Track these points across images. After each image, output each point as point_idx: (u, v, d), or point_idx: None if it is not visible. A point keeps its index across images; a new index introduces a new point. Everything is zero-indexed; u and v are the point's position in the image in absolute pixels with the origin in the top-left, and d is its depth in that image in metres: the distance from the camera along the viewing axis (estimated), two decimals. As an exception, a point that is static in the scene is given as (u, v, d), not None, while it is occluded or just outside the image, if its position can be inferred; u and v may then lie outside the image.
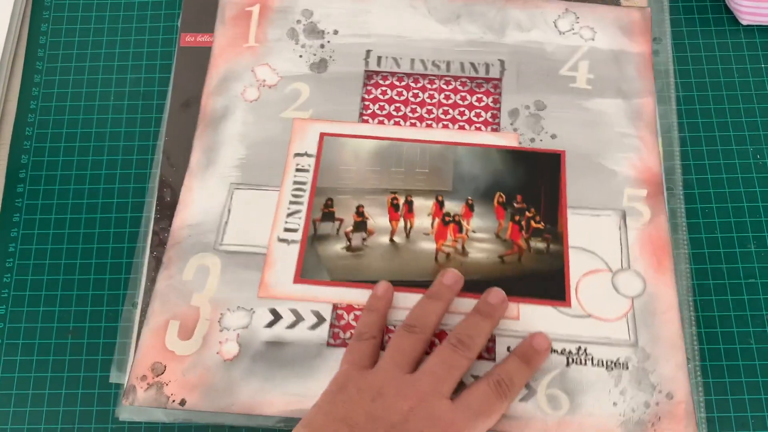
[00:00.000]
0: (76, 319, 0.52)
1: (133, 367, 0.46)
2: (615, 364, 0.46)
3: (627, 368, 0.45)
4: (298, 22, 0.59)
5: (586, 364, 0.46)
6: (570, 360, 0.46)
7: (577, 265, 0.49)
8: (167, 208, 0.53)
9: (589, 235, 0.50)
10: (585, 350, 0.46)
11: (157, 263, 0.50)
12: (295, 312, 0.48)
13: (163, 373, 0.46)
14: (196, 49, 0.58)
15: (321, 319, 0.48)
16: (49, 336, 0.51)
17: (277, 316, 0.48)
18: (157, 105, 0.59)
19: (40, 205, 0.55)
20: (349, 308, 0.48)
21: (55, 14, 0.63)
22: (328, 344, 0.47)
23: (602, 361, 0.46)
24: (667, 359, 0.46)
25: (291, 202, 0.52)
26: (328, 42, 0.58)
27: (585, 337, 0.47)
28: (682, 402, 0.44)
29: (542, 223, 0.51)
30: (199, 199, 0.52)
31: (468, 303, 0.47)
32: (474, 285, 0.48)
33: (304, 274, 0.49)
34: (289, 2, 0.59)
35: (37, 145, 0.57)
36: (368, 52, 0.58)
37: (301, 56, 0.57)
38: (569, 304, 0.48)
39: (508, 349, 0.46)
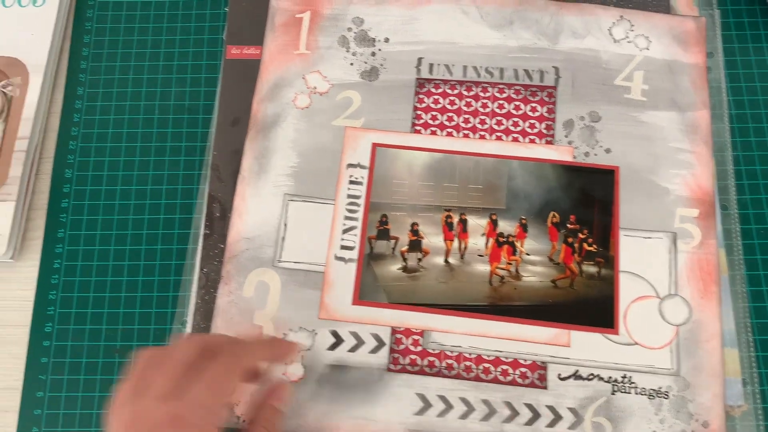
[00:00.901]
0: (123, 337, 0.52)
1: (203, 386, 0.49)
2: (657, 392, 0.48)
3: (667, 397, 0.48)
4: (349, 29, 0.57)
5: (630, 392, 0.49)
6: (615, 388, 0.49)
7: (626, 291, 0.51)
8: (217, 224, 0.53)
9: (640, 259, 0.51)
10: (630, 378, 0.49)
11: (207, 280, 0.52)
12: (355, 335, 0.50)
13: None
14: (243, 62, 0.57)
15: (381, 343, 0.50)
16: (96, 355, 0.51)
17: (338, 339, 0.50)
18: (203, 119, 0.57)
19: (85, 220, 0.55)
20: (407, 332, 0.50)
21: (97, 25, 0.60)
22: (389, 369, 0.49)
23: (645, 390, 0.49)
24: (706, 388, 0.48)
25: (346, 218, 0.53)
26: (379, 50, 0.56)
27: (630, 366, 0.49)
28: (716, 431, 0.48)
29: (595, 246, 0.52)
30: (254, 209, 0.53)
31: (518, 328, 0.49)
32: (526, 311, 0.50)
33: (363, 295, 0.51)
34: (339, 10, 0.57)
35: (80, 159, 0.56)
36: (420, 59, 0.56)
37: (352, 64, 0.56)
38: (617, 332, 0.50)
39: (559, 376, 0.49)
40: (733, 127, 0.56)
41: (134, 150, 0.57)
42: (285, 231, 0.52)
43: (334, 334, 0.50)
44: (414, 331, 0.50)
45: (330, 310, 0.50)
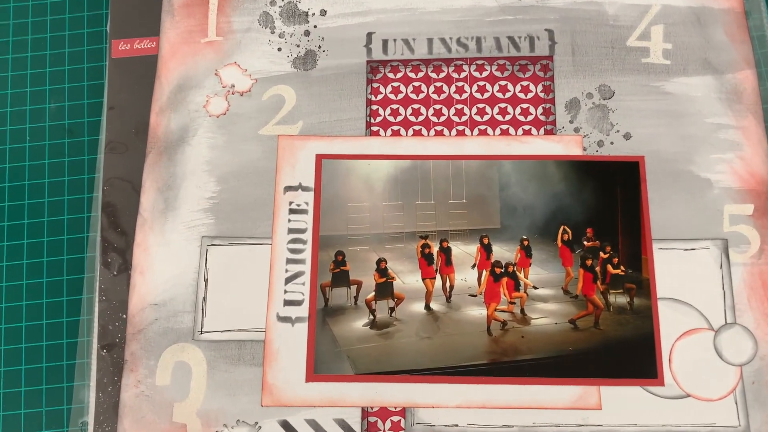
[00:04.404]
0: (7, 449, 0.41)
1: None
2: (724, 460, 0.37)
3: (739, 465, 0.37)
4: (272, 3, 0.46)
5: (688, 463, 0.37)
6: (668, 460, 0.37)
7: (669, 325, 0.40)
8: (115, 286, 0.41)
9: (682, 279, 0.41)
10: (686, 444, 0.38)
11: (110, 364, 0.40)
12: (313, 423, 0.38)
13: None
14: (135, 60, 0.45)
15: (349, 432, 0.38)
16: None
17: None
18: (89, 142, 0.45)
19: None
20: (384, 412, 0.38)
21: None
22: (363, 469, 0.37)
23: (708, 458, 0.37)
24: (787, 447, 0.37)
25: (289, 261, 0.41)
26: (315, 27, 0.46)
27: (684, 426, 0.38)
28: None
29: (622, 267, 0.41)
30: (161, 262, 0.42)
31: (531, 391, 0.37)
32: (540, 366, 0.39)
33: (319, 367, 0.39)
34: (257, -22, 0.45)
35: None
36: (369, 35, 0.46)
37: (280, 49, 0.45)
38: (662, 382, 0.39)
39: (592, 451, 0.37)
40: (783, 88, 0.46)
41: (2, 192, 0.45)
42: (206, 289, 0.41)
43: (285, 425, 0.39)
44: (392, 410, 0.38)
45: (276, 392, 0.39)
